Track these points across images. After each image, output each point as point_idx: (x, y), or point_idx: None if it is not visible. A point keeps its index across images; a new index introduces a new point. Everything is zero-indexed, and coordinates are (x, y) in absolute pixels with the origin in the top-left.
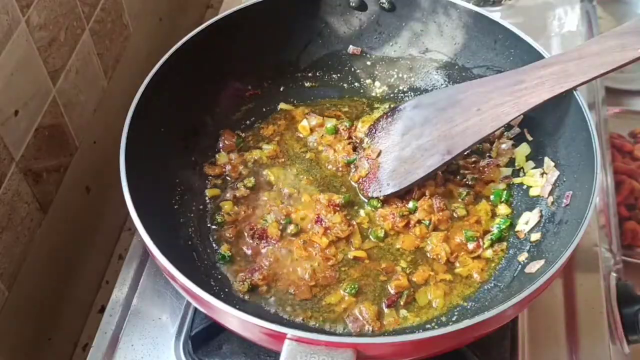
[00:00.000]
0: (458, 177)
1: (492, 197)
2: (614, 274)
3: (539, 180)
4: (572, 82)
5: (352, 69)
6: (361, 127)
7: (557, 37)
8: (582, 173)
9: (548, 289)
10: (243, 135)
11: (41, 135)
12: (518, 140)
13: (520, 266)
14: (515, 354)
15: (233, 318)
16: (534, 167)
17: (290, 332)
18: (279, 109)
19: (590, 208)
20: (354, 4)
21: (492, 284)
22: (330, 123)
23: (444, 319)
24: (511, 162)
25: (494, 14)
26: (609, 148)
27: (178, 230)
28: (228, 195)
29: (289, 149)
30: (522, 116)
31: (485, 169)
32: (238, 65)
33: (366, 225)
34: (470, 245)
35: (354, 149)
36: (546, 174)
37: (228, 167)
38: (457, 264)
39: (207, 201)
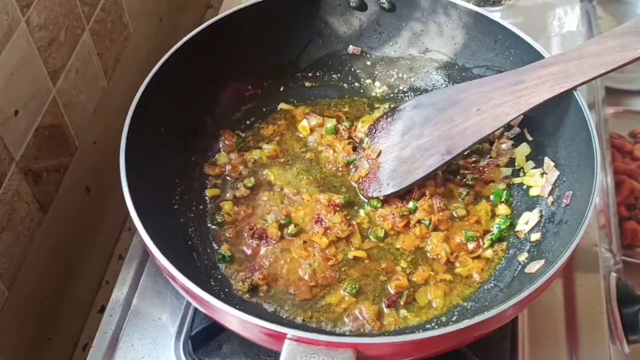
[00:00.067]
0: (458, 177)
1: (492, 197)
2: (614, 274)
3: (539, 180)
4: (572, 82)
5: (352, 69)
6: (361, 127)
7: (557, 37)
8: (582, 173)
9: (548, 289)
10: (243, 135)
11: (41, 135)
12: (518, 140)
13: (520, 266)
14: (515, 354)
15: (233, 318)
16: (534, 167)
17: (290, 332)
18: (279, 109)
19: (590, 208)
20: (354, 4)
21: (492, 284)
22: (330, 123)
23: (444, 319)
24: (511, 162)
25: (494, 14)
26: (609, 148)
27: (178, 230)
28: (228, 195)
29: (289, 149)
30: (522, 116)
31: (485, 169)
32: (238, 65)
33: (366, 225)
34: (470, 245)
35: (354, 149)
36: (546, 174)
37: (228, 167)
38: (457, 264)
39: (207, 201)
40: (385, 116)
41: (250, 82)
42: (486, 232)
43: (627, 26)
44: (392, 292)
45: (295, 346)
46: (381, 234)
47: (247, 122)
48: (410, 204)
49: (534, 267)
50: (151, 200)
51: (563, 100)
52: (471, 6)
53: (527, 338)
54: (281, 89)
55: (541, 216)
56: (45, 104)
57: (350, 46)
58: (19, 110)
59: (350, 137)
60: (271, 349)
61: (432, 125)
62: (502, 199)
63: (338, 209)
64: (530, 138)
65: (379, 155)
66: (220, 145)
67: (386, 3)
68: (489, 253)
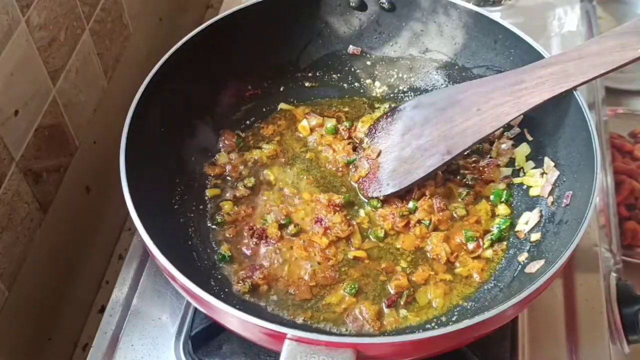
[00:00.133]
0: (458, 177)
1: (492, 197)
2: (614, 274)
3: (539, 180)
4: (572, 82)
5: (352, 69)
6: (361, 127)
7: (557, 37)
8: (582, 173)
9: (548, 289)
10: (243, 135)
11: (41, 135)
12: (518, 140)
13: (520, 266)
14: (515, 354)
15: (233, 318)
16: (534, 167)
17: (290, 332)
18: (279, 109)
19: (590, 208)
20: (354, 4)
21: (492, 284)
22: (330, 123)
23: (444, 319)
24: (511, 162)
25: (494, 14)
26: (609, 148)
27: (178, 230)
28: (228, 195)
29: (289, 149)
30: (522, 116)
31: (485, 169)
32: (238, 65)
33: (366, 225)
34: (470, 245)
35: (354, 149)
36: (546, 174)
37: (228, 167)
38: (457, 264)
39: (207, 201)
40: (385, 116)
41: (250, 82)
42: (486, 232)
43: (627, 26)
44: (392, 292)
45: (295, 346)
46: (381, 234)
47: (247, 122)
48: (410, 204)
49: (534, 267)
50: (151, 200)
51: (563, 100)
52: (471, 6)
53: (527, 338)
54: (281, 89)
55: (541, 216)
56: (45, 104)
57: (350, 46)
58: (19, 110)
59: (350, 137)
60: (271, 349)
61: (432, 125)
62: (502, 199)
63: (338, 209)
64: (530, 138)
65: (379, 155)
66: (220, 145)
67: (386, 3)
68: (489, 253)
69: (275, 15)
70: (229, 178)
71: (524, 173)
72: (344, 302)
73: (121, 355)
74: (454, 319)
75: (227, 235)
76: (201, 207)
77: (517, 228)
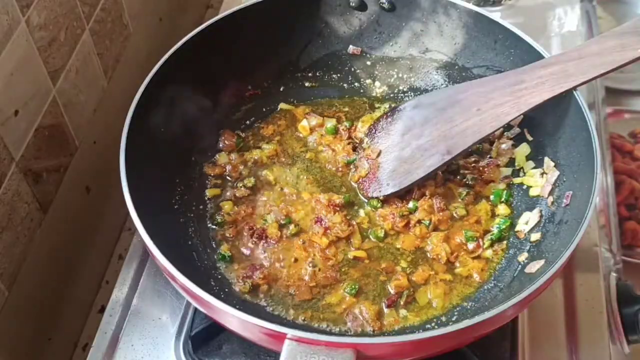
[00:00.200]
0: (458, 177)
1: (492, 197)
2: (614, 274)
3: (539, 180)
4: (572, 82)
5: (352, 69)
6: (361, 127)
7: (557, 37)
8: (582, 173)
9: (548, 289)
10: (243, 135)
11: (41, 135)
12: (518, 140)
13: (520, 266)
14: (515, 354)
15: (233, 318)
16: (534, 167)
17: (290, 332)
18: (279, 109)
19: (590, 208)
20: (354, 4)
21: (492, 284)
22: (330, 123)
23: (444, 319)
24: (511, 162)
25: (494, 14)
26: (609, 148)
27: (178, 230)
28: (228, 195)
29: (289, 149)
30: (522, 116)
31: (485, 169)
32: (238, 65)
33: (366, 225)
34: (470, 245)
35: (354, 149)
36: (546, 174)
37: (228, 167)
38: (457, 264)
39: (207, 201)
40: (385, 116)
41: (250, 82)
42: (486, 232)
43: (627, 26)
44: (392, 292)
45: (295, 346)
46: (381, 234)
47: (247, 122)
48: (410, 204)
49: (534, 267)
50: (151, 200)
51: (563, 100)
52: (471, 6)
53: (527, 338)
54: (281, 89)
55: (541, 216)
56: (45, 104)
57: (350, 46)
58: (19, 110)
59: (350, 137)
60: (271, 349)
61: (432, 125)
62: (502, 199)
63: (338, 209)
64: (530, 138)
65: (379, 155)
66: (220, 145)
67: (386, 3)
68: (489, 253)
69: (275, 15)
70: (229, 178)
71: (524, 173)
72: (344, 302)
73: (121, 355)
74: (454, 319)
75: (227, 235)
76: (201, 207)
77: (517, 228)
